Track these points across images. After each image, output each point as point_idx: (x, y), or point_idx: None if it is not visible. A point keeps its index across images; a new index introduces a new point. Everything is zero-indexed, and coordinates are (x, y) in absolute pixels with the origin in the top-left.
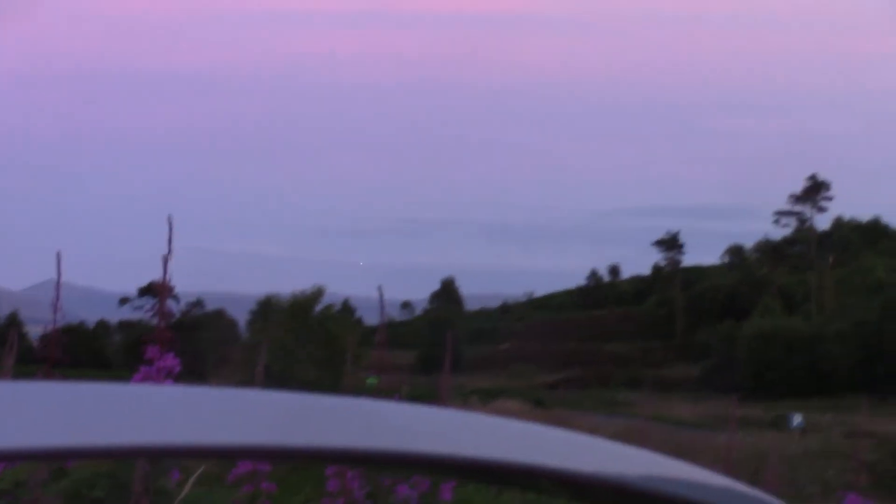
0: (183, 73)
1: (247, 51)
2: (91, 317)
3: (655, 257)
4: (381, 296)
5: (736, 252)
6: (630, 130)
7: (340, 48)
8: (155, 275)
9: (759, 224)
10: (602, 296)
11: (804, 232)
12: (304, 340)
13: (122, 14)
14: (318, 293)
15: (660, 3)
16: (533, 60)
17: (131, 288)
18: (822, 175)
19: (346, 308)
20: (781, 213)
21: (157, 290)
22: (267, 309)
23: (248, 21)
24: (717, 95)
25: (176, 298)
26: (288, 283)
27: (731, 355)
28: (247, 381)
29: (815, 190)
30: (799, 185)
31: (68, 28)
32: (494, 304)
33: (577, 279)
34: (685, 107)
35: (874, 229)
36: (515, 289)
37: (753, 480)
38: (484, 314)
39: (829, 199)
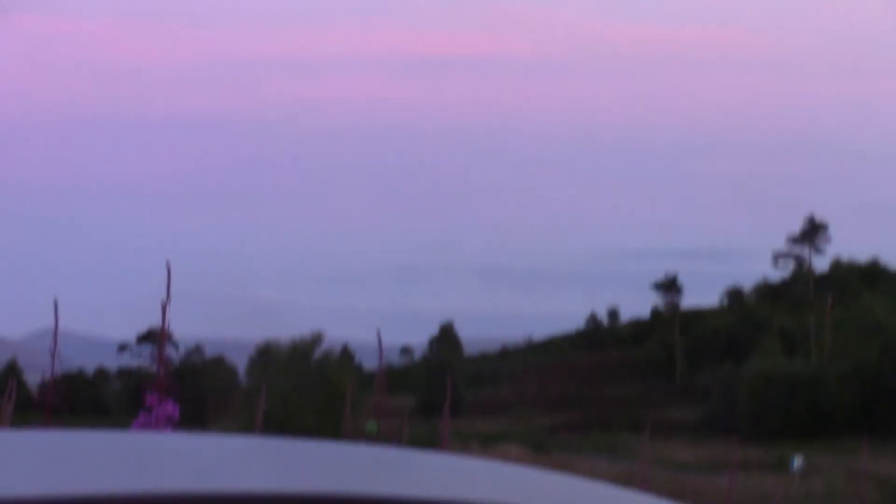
0: (181, 120)
1: (245, 98)
2: (90, 364)
3: (654, 299)
4: (380, 340)
5: (735, 294)
6: (627, 174)
7: (338, 95)
8: (154, 321)
9: (757, 265)
10: (601, 339)
11: (803, 273)
12: (304, 386)
13: (121, 60)
14: (317, 338)
15: (658, 47)
16: (532, 106)
17: (130, 334)
18: (820, 216)
19: (346, 353)
20: (780, 255)
21: (155, 337)
22: (266, 354)
23: (246, 69)
24: (713, 138)
25: (175, 344)
26: (287, 328)
27: (731, 397)
28: (246, 427)
29: (813, 231)
30: (797, 227)
31: (70, 75)
32: (493, 347)
33: (575, 322)
34: (681, 150)
35: (873, 270)
36: (514, 332)
37: None
38: (483, 358)
39: (828, 240)
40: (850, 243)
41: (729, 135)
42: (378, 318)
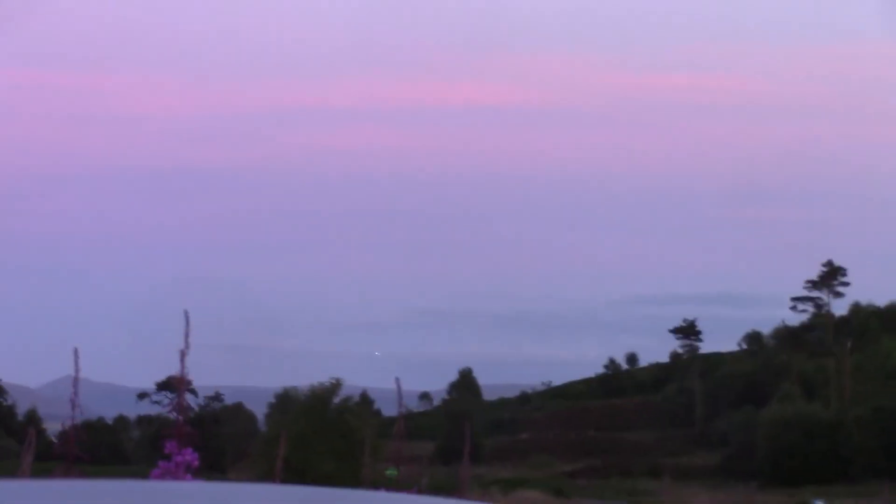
0: (201, 169)
1: (261, 148)
2: (109, 412)
3: (673, 345)
4: (399, 387)
5: (754, 338)
6: (644, 221)
7: (354, 144)
8: (173, 369)
9: (776, 310)
10: (620, 384)
11: (821, 317)
12: (323, 433)
13: (135, 112)
14: (335, 385)
15: (673, 95)
16: (546, 152)
17: (149, 383)
18: (838, 260)
19: (364, 399)
20: (798, 299)
21: (175, 385)
22: (285, 401)
23: (260, 119)
24: (730, 184)
25: (194, 392)
26: (306, 376)
27: (750, 442)
28: (265, 474)
29: (831, 275)
30: (815, 272)
31: (87, 127)
32: (512, 393)
33: (594, 368)
34: (698, 196)
35: (892, 314)
36: (533, 378)
37: None
38: (502, 404)
39: (846, 284)
40: (868, 288)
41: (746, 181)
42: (396, 365)
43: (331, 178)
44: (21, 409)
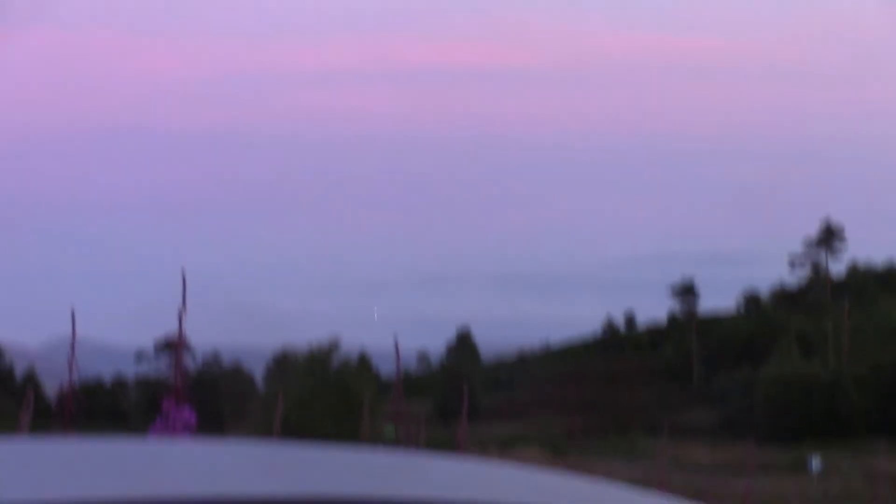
0: (196, 130)
1: (260, 110)
2: (107, 372)
3: (670, 304)
4: (397, 346)
5: (751, 299)
6: (642, 181)
7: (354, 106)
8: (171, 329)
9: (774, 270)
10: (618, 343)
11: (819, 278)
12: (321, 392)
13: (134, 74)
14: (334, 345)
15: (671, 56)
16: (546, 114)
17: (147, 343)
18: (837, 219)
19: (363, 359)
20: (796, 259)
21: (172, 345)
22: (283, 361)
23: (260, 81)
24: (728, 143)
25: (192, 352)
26: (304, 335)
27: (748, 400)
28: (264, 434)
29: (829, 235)
30: (813, 231)
31: (84, 88)
32: (511, 353)
33: (592, 327)
34: (696, 154)
35: (889, 274)
36: (531, 338)
37: None
38: (500, 363)
39: (844, 243)
40: (866, 247)
41: (744, 141)
42: (395, 325)
43: (329, 141)
44: (19, 369)
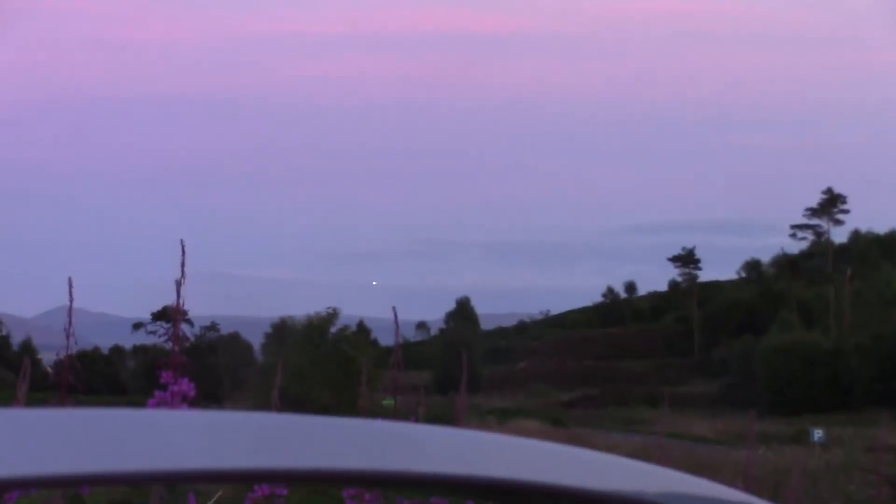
0: (197, 97)
1: (260, 76)
2: (105, 342)
3: (671, 273)
4: (396, 316)
5: (753, 267)
6: (643, 147)
7: (348, 71)
8: (169, 299)
9: (775, 238)
10: (619, 313)
11: (821, 245)
12: (320, 363)
13: (126, 40)
14: (332, 315)
15: (672, 22)
16: (546, 80)
17: (145, 313)
18: (838, 188)
19: (361, 329)
20: (798, 227)
21: (170, 315)
22: (282, 332)
23: (256, 47)
24: (730, 111)
25: (190, 322)
26: (302, 307)
27: (749, 371)
28: (263, 404)
29: (831, 203)
30: (815, 199)
31: (79, 55)
32: (510, 322)
33: (592, 296)
34: (697, 123)
35: (891, 241)
36: (531, 307)
37: (774, 496)
38: (500, 333)
39: (846, 211)
40: (868, 215)
41: (745, 108)
42: (393, 295)
43: (328, 108)
44: (16, 339)
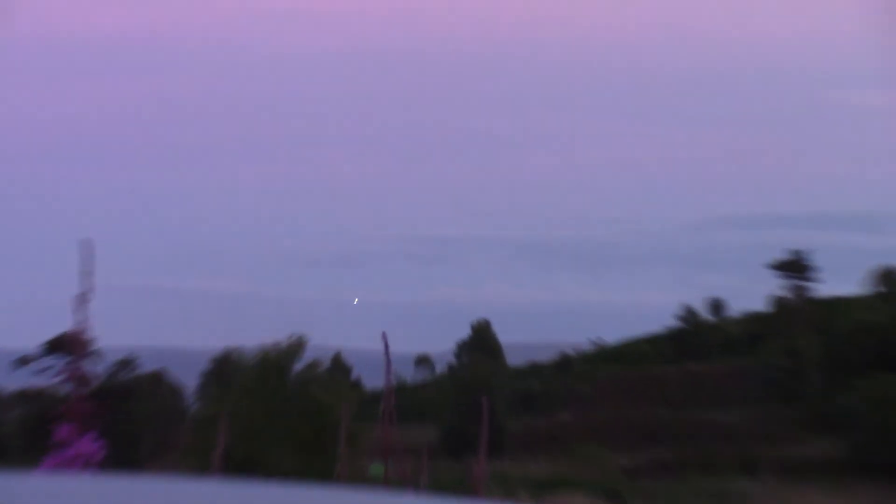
0: (102, 39)
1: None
2: None
3: (773, 286)
4: (387, 347)
5: (888, 277)
6: (725, 113)
7: (342, 46)
8: (67, 325)
9: None
10: (700, 342)
11: None
12: (280, 414)
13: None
14: (297, 345)
15: None
16: (602, 38)
17: (33, 343)
18: None
19: (338, 365)
20: None
21: (69, 345)
22: (226, 368)
23: (225, 24)
24: (848, 65)
25: (98, 356)
26: (255, 332)
27: (889, 424)
28: (198, 469)
29: None
30: None
31: None
32: (547, 356)
33: (663, 319)
34: (803, 78)
35: None
36: (577, 334)
37: None
38: (533, 371)
39: None
40: None
41: (865, 62)
42: (384, 317)
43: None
44: None
